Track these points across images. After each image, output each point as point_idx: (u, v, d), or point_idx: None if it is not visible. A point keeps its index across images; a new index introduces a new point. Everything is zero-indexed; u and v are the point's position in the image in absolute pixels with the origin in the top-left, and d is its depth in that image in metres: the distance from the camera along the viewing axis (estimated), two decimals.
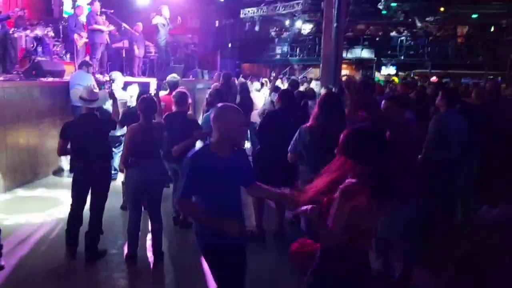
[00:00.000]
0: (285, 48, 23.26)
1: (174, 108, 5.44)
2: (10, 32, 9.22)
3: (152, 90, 6.06)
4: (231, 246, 2.74)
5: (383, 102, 4.19)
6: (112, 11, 11.42)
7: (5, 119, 6.79)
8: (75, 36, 10.35)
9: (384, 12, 21.36)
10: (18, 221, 5.74)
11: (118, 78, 7.04)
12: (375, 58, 22.10)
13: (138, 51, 12.31)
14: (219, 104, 2.88)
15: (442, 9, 21.97)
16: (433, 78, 18.41)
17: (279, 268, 4.58)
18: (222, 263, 2.82)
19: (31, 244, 5.06)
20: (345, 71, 22.57)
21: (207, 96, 6.18)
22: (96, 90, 4.75)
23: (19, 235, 5.31)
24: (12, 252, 4.71)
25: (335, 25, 11.21)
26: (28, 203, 6.52)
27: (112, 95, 5.14)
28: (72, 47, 10.79)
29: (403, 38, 21.68)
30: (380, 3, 20.36)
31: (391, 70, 23.04)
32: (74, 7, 12.14)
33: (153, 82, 6.92)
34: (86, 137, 4.48)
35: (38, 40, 10.41)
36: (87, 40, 10.62)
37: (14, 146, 7.02)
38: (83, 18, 10.75)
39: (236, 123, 2.76)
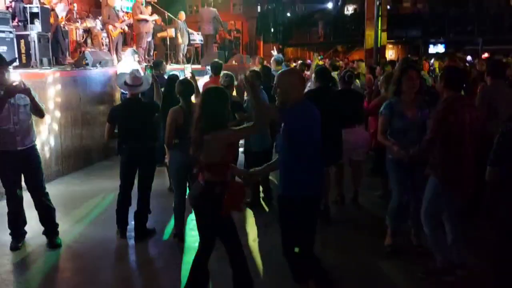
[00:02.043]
0: (328, 31, 22.90)
1: None
2: (61, 25, 9.66)
3: (188, 74, 6.21)
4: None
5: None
6: (155, 0, 11.68)
7: (59, 107, 7.17)
8: (110, 27, 10.64)
9: None
10: (73, 202, 6.10)
11: (160, 65, 7.26)
12: (422, 37, 21.34)
13: (182, 39, 12.55)
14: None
15: None
16: (485, 55, 17.61)
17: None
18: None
19: (85, 224, 5.38)
20: (391, 51, 22.01)
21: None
22: (139, 75, 4.94)
23: (74, 215, 5.65)
24: (67, 232, 5.00)
25: (377, 3, 10.96)
26: (81, 185, 6.89)
27: (154, 79, 5.32)
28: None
29: (451, 14, 20.76)
30: None
31: (440, 48, 22.21)
32: None
33: (187, 67, 7.12)
34: (131, 120, 4.69)
35: (88, 32, 10.84)
36: (121, 30, 10.86)
37: (67, 133, 7.42)
38: (126, 6, 10.97)
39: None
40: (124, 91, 4.96)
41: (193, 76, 5.76)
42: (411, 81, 4.06)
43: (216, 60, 6.92)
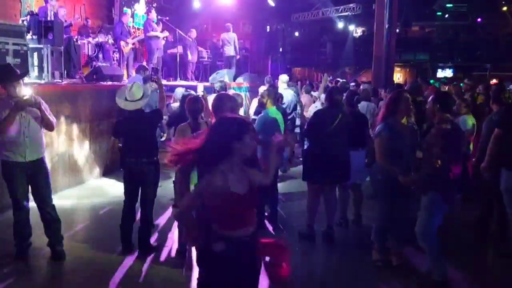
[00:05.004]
0: (336, 52, 23.05)
1: None
2: (74, 39, 9.81)
3: (200, 92, 6.23)
4: None
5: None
6: (167, 18, 11.86)
7: (68, 120, 7.25)
8: (122, 43, 10.77)
9: (439, 13, 20.70)
10: (78, 215, 6.16)
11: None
12: (430, 61, 21.42)
13: (192, 57, 12.72)
14: None
15: (504, 8, 21.04)
16: (493, 81, 17.62)
17: (327, 268, 4.63)
18: None
19: (89, 238, 5.40)
20: (398, 74, 22.11)
21: (259, 97, 6.18)
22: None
23: (79, 228, 5.68)
24: (72, 245, 5.01)
25: (386, 26, 11.06)
26: (88, 198, 6.90)
27: (158, 82, 5.33)
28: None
29: (459, 39, 20.86)
30: (435, 4, 19.80)
31: (448, 72, 22.26)
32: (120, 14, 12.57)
33: (200, 85, 7.14)
34: (134, 134, 4.72)
35: (99, 47, 10.99)
36: (133, 46, 11.02)
37: (76, 145, 7.48)
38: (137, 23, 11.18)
39: None
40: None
41: (205, 95, 5.82)
42: (407, 102, 4.30)
43: (221, 79, 6.95)
